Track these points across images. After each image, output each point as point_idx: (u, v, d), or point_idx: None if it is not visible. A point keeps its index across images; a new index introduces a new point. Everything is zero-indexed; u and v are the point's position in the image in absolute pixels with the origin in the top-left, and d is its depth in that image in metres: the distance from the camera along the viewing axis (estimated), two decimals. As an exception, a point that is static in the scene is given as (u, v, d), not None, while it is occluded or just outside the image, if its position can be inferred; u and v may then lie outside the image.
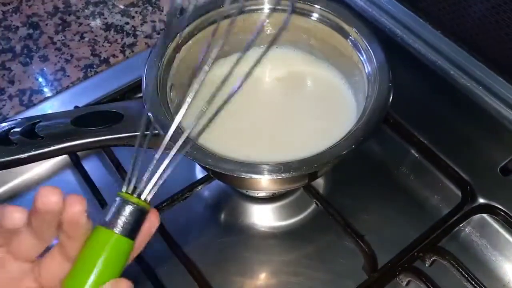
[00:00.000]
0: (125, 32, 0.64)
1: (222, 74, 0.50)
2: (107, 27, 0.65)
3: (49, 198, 0.24)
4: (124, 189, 0.29)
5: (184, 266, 0.44)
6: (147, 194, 0.29)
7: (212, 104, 0.34)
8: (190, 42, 0.45)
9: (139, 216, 0.28)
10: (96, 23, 0.65)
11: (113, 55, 0.62)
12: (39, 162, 0.50)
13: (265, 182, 0.40)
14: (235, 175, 0.36)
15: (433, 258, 0.44)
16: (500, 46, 0.53)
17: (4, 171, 0.49)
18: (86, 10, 0.66)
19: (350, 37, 0.44)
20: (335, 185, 0.51)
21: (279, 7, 0.47)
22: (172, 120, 0.31)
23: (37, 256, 0.27)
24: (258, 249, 0.48)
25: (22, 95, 0.58)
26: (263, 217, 0.50)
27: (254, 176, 0.36)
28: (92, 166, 0.52)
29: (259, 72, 0.49)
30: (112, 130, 0.39)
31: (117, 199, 0.28)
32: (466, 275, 0.42)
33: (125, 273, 0.45)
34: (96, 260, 0.26)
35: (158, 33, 0.64)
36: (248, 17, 0.47)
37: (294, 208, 0.50)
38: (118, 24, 0.65)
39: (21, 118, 0.40)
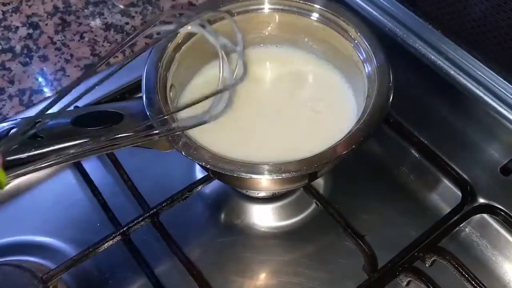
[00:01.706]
0: (125, 32, 0.64)
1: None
2: (107, 27, 0.65)
3: None
4: None
5: (184, 266, 0.44)
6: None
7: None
8: (190, 42, 0.45)
9: None
10: (96, 23, 0.65)
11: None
12: (39, 162, 0.51)
13: (265, 182, 0.40)
14: (235, 175, 0.36)
15: (433, 258, 0.44)
16: (500, 46, 0.53)
17: (4, 171, 0.49)
18: (86, 10, 0.66)
19: (350, 37, 0.44)
20: (335, 185, 0.51)
21: (279, 7, 0.47)
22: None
23: None
24: (258, 249, 0.48)
25: (22, 95, 0.58)
26: (263, 217, 0.50)
27: (254, 176, 0.36)
28: (92, 166, 0.52)
29: (259, 72, 0.49)
30: (112, 130, 0.39)
31: None
32: (466, 275, 0.41)
33: (125, 273, 0.46)
34: None
35: (158, 33, 0.64)
36: (248, 17, 0.47)
37: (294, 208, 0.50)
38: (118, 24, 0.65)
39: (21, 118, 0.40)
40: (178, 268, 0.44)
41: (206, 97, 0.36)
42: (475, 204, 0.48)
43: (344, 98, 0.46)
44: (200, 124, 0.37)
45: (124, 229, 0.45)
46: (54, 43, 0.63)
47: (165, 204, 0.46)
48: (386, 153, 0.54)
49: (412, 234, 0.45)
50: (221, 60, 0.39)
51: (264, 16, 0.47)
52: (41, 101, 0.57)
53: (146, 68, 0.42)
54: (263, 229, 0.49)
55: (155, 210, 0.46)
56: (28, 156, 0.38)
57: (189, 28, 0.38)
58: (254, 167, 0.36)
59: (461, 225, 0.46)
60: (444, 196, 0.50)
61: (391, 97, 0.40)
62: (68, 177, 0.52)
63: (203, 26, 0.38)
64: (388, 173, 0.52)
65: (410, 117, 0.53)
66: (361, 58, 0.43)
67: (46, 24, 0.65)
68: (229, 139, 0.43)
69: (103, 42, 0.63)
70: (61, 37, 0.63)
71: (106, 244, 0.44)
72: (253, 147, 0.43)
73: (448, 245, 0.45)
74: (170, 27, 0.37)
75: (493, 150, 0.52)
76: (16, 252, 0.47)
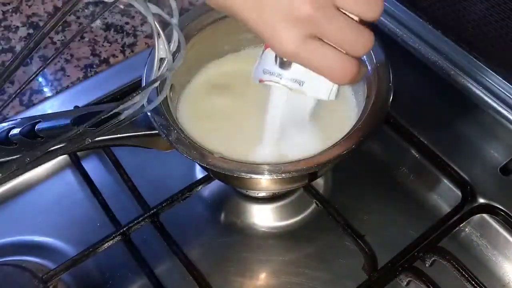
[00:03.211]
0: (125, 32, 0.64)
1: (219, 73, 0.50)
2: (107, 27, 0.65)
3: None
4: None
5: (184, 266, 0.44)
6: None
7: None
8: (190, 42, 0.45)
9: None
10: (96, 23, 0.65)
11: (113, 55, 0.62)
12: (39, 162, 0.51)
13: (265, 182, 0.40)
14: (235, 175, 0.36)
15: (433, 258, 0.44)
16: (500, 46, 0.53)
17: (4, 171, 0.49)
18: (86, 10, 0.66)
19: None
20: (335, 185, 0.51)
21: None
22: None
23: None
24: (258, 249, 0.48)
25: (22, 95, 0.58)
26: (263, 217, 0.50)
27: (254, 176, 0.36)
28: (92, 166, 0.52)
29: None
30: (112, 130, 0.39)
31: None
32: (466, 275, 0.41)
33: (125, 273, 0.46)
34: None
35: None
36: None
37: (294, 208, 0.50)
38: (118, 24, 0.65)
39: (21, 118, 0.40)
40: (178, 268, 0.44)
41: (146, 87, 0.33)
42: (475, 204, 0.48)
43: (344, 98, 0.46)
44: (135, 116, 0.34)
45: (124, 229, 0.45)
46: (54, 43, 0.63)
47: (165, 204, 0.46)
48: (386, 153, 0.54)
49: (412, 234, 0.45)
50: (155, 35, 0.34)
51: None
52: (41, 101, 0.57)
53: (146, 68, 0.42)
54: (263, 229, 0.49)
55: (155, 210, 0.46)
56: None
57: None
58: (254, 167, 0.36)
59: (461, 225, 0.46)
60: (444, 196, 0.50)
61: (391, 97, 0.40)
62: (68, 177, 0.52)
63: None
64: (388, 173, 0.52)
65: (410, 117, 0.53)
66: (361, 58, 0.43)
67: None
68: (229, 139, 0.43)
69: (103, 42, 0.63)
70: (61, 37, 0.64)
71: (106, 244, 0.44)
72: (253, 147, 0.43)
73: (448, 245, 0.45)
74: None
75: (493, 150, 0.52)
76: (16, 252, 0.47)
